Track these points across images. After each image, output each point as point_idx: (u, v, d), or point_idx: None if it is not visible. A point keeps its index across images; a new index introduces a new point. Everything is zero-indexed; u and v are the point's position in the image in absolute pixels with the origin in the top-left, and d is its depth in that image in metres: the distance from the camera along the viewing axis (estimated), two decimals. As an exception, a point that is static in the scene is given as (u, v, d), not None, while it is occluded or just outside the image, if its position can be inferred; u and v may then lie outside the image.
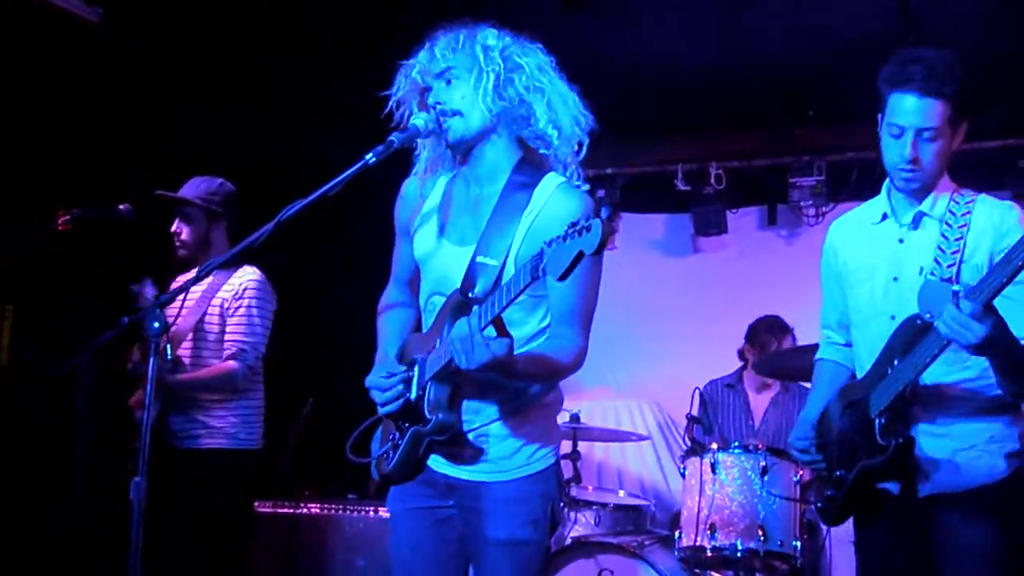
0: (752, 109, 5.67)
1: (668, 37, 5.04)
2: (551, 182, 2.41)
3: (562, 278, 1.99)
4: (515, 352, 2.20)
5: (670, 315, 6.22)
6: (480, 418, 2.42)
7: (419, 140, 2.47)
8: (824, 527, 4.40)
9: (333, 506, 4.52)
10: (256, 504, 4.38)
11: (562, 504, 4.84)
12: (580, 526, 4.96)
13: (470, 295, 2.31)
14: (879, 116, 2.70)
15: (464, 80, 2.39)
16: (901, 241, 2.72)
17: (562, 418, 4.95)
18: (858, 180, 5.78)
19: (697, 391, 4.88)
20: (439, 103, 2.41)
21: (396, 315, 2.67)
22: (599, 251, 1.94)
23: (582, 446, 5.21)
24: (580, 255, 1.96)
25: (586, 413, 5.32)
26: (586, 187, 2.45)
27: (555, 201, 2.37)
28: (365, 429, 2.58)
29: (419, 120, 2.40)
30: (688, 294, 6.30)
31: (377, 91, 2.53)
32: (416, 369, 2.42)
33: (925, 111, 2.56)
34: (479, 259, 2.36)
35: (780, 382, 5.15)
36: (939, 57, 2.58)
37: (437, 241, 2.49)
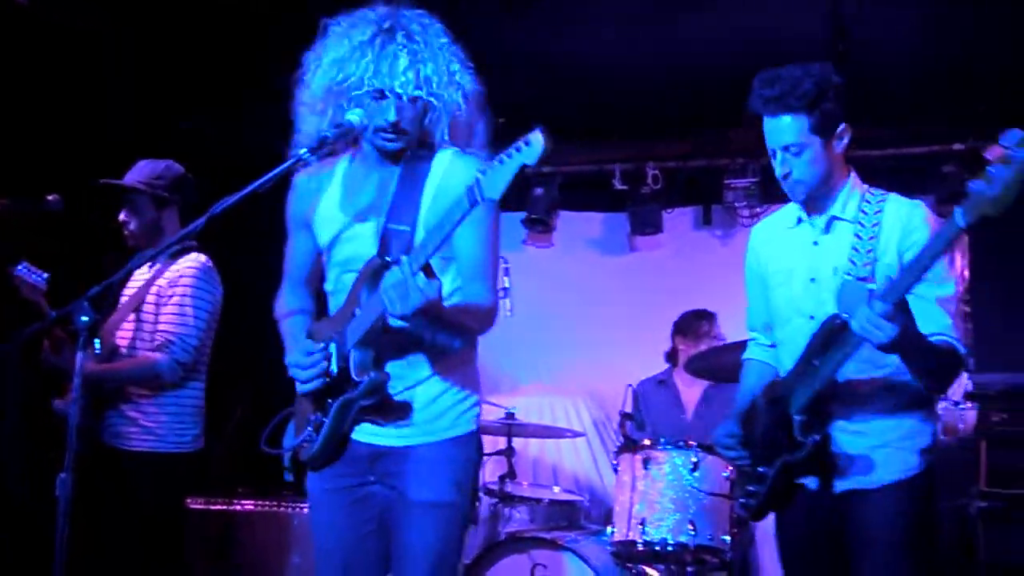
0: (688, 111, 5.74)
1: (606, 39, 5.08)
2: (445, 153, 2.49)
3: (501, 196, 2.06)
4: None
5: (606, 313, 6.28)
6: (404, 382, 2.45)
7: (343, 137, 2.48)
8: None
9: (268, 503, 4.48)
10: (189, 500, 4.31)
11: (496, 500, 4.88)
12: (514, 521, 5.02)
13: (387, 259, 2.34)
14: None
15: (424, 109, 2.46)
16: (816, 243, 2.80)
17: (497, 414, 4.99)
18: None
19: (630, 389, 4.95)
20: (396, 123, 2.43)
21: (299, 320, 2.70)
22: (539, 163, 2.01)
23: (518, 442, 5.25)
24: (522, 169, 2.03)
25: (522, 409, 5.36)
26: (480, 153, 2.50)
27: (454, 165, 2.45)
28: (278, 424, 2.60)
29: (354, 116, 2.41)
30: (624, 292, 6.36)
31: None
32: (332, 346, 2.44)
33: (781, 129, 2.67)
34: (390, 227, 2.42)
35: (711, 379, 5.23)
36: (788, 76, 2.65)
37: (344, 222, 2.52)
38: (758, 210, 6.09)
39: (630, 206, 6.32)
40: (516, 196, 6.27)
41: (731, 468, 4.16)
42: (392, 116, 2.42)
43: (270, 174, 2.36)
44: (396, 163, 2.52)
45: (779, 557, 2.93)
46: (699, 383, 5.26)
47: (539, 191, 6.28)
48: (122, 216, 3.65)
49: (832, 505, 2.70)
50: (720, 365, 4.46)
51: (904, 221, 2.69)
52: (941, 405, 4.78)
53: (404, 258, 2.21)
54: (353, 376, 2.38)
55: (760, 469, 2.79)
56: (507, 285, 4.84)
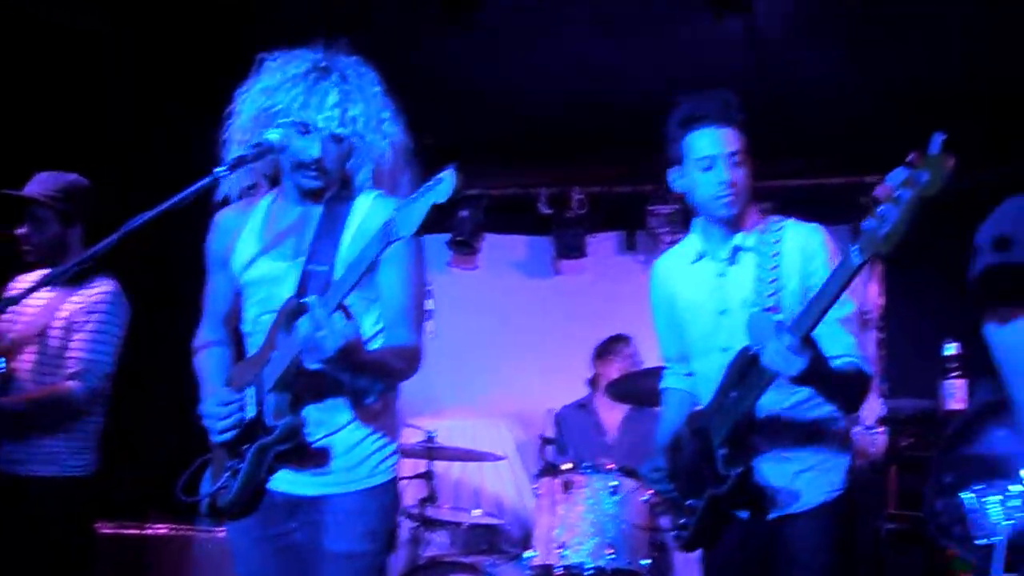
0: (614, 137, 5.81)
1: (536, 63, 5.12)
2: (368, 196, 2.48)
3: (417, 234, 2.05)
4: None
5: (530, 335, 6.30)
6: (324, 428, 2.41)
7: (254, 163, 2.45)
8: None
9: (182, 527, 4.37)
10: (99, 525, 4.18)
11: (417, 524, 4.84)
12: (434, 546, 4.97)
13: (304, 300, 2.30)
14: (669, 170, 2.82)
15: (348, 151, 2.48)
16: (721, 275, 2.82)
17: (417, 437, 4.95)
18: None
19: (552, 413, 4.97)
20: (319, 160, 2.42)
21: (215, 352, 2.65)
22: (451, 199, 2.01)
23: (440, 466, 5.21)
24: (434, 207, 2.02)
25: (445, 432, 5.32)
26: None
27: (375, 208, 2.44)
28: (196, 469, 2.53)
29: (274, 135, 2.39)
30: (548, 316, 6.39)
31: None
32: (250, 390, 2.39)
33: (727, 138, 2.71)
34: (310, 267, 2.39)
35: (632, 402, 5.28)
36: (725, 94, 2.75)
37: (264, 261, 2.49)
38: (680, 236, 6.15)
39: (555, 230, 6.37)
40: (441, 218, 6.25)
41: (650, 492, 4.21)
42: (316, 152, 2.40)
43: (184, 192, 2.31)
44: (317, 202, 2.49)
45: (703, 580, 2.96)
46: (620, 406, 5.29)
47: (464, 213, 6.29)
48: (23, 230, 3.48)
49: (765, 532, 2.72)
50: (640, 389, 4.50)
51: (803, 246, 2.74)
52: (855, 429, 4.89)
53: (314, 298, 2.18)
54: (268, 421, 2.33)
55: (689, 502, 2.79)
56: (431, 308, 4.81)
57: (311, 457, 2.39)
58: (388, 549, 2.47)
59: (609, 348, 5.53)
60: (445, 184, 2.01)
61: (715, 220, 2.82)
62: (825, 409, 2.73)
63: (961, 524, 2.14)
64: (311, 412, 2.40)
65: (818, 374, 2.43)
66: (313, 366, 2.21)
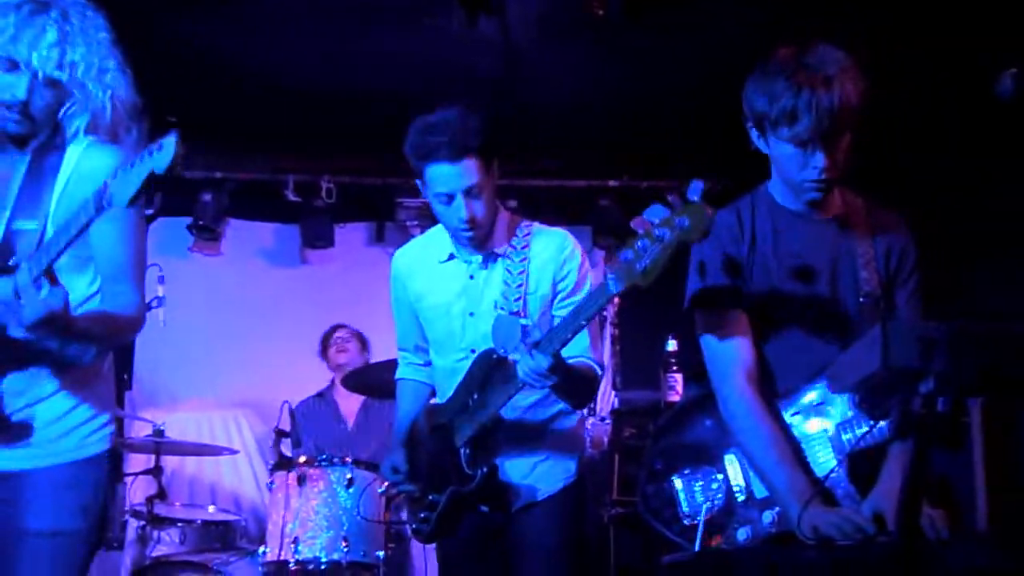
0: (365, 129, 5.77)
1: (289, 48, 4.98)
2: (80, 143, 2.26)
3: (131, 203, 1.88)
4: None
5: (273, 326, 6.14)
6: (24, 398, 2.21)
7: None
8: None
9: None
10: None
11: (144, 523, 4.60)
12: (164, 545, 4.75)
13: (10, 263, 2.09)
14: (418, 182, 2.78)
15: (60, 96, 2.21)
16: (472, 277, 2.85)
17: (144, 431, 4.71)
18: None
19: (287, 406, 4.88)
20: (24, 102, 2.16)
21: None
22: (171, 170, 1.83)
23: (173, 461, 4.99)
24: (151, 175, 1.84)
25: (179, 425, 5.10)
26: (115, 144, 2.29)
27: (87, 157, 2.23)
28: None
29: None
30: (293, 305, 6.25)
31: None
32: None
33: (463, 173, 2.66)
34: (16, 224, 2.17)
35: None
36: (455, 117, 2.68)
37: None
38: (429, 229, 6.23)
39: (303, 218, 6.24)
40: (183, 200, 5.98)
41: (386, 484, 4.21)
42: (22, 93, 2.15)
43: None
44: (22, 151, 2.25)
45: (438, 572, 2.99)
46: (357, 396, 5.31)
47: (207, 197, 6.03)
48: None
49: (503, 521, 2.81)
50: (377, 382, 4.52)
51: (554, 252, 2.82)
52: (589, 421, 5.12)
53: (23, 264, 2.00)
54: None
55: (430, 497, 2.82)
56: (160, 294, 4.56)
57: (9, 429, 2.19)
58: (99, 530, 2.29)
59: (328, 336, 5.75)
60: (165, 152, 1.83)
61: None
62: (558, 407, 2.85)
63: (670, 507, 2.28)
64: (12, 381, 2.19)
65: (564, 383, 2.57)
66: (16, 334, 2.03)
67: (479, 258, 2.84)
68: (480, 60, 5.07)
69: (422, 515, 2.85)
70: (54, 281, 2.00)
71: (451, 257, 2.88)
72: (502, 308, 2.75)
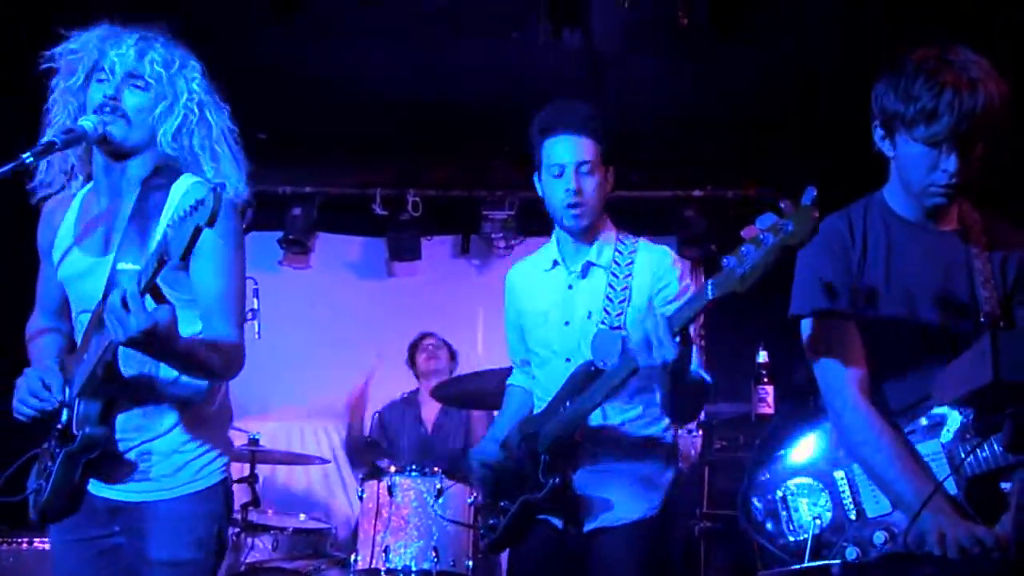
0: (451, 141, 5.84)
1: (375, 62, 5.07)
2: (185, 180, 2.34)
3: (183, 258, 1.95)
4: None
5: (361, 337, 6.23)
6: (142, 435, 2.31)
7: (71, 149, 2.31)
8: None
9: (14, 539, 4.07)
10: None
11: (238, 530, 4.70)
12: (257, 551, 4.85)
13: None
14: (535, 174, 2.87)
15: (151, 98, 2.31)
16: (570, 287, 2.87)
17: (240, 440, 4.81)
18: (548, 216, 6.11)
19: (376, 415, 4.95)
20: (115, 98, 2.27)
21: (47, 339, 2.50)
22: (211, 222, 1.90)
23: (265, 469, 5.09)
24: (197, 230, 1.91)
25: (270, 435, 5.20)
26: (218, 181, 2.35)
27: (188, 197, 2.26)
28: (21, 466, 2.37)
29: (88, 122, 2.24)
30: (380, 317, 6.34)
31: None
32: (68, 388, 2.27)
33: (580, 147, 2.76)
34: (120, 266, 2.25)
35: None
36: (583, 105, 2.82)
37: (77, 257, 2.36)
38: (514, 242, 6.28)
39: (390, 231, 6.33)
40: (273, 215, 6.13)
41: (475, 494, 4.24)
42: (110, 91, 2.27)
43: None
44: (130, 180, 2.35)
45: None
46: (437, 403, 5.39)
47: (297, 211, 6.16)
48: None
49: (578, 543, 2.75)
50: (462, 393, 4.55)
51: (654, 268, 2.82)
52: (678, 433, 5.07)
53: (129, 276, 2.07)
54: (73, 428, 2.22)
55: (502, 503, 2.82)
56: (255, 307, 4.68)
57: (126, 465, 2.29)
58: (216, 557, 2.37)
59: (417, 344, 5.83)
60: (206, 207, 1.90)
61: (566, 230, 2.86)
62: (656, 427, 2.80)
63: (775, 521, 2.24)
64: (131, 417, 2.29)
65: (680, 370, 2.39)
66: (119, 341, 2.06)
67: (578, 267, 2.86)
68: (565, 72, 5.08)
69: (491, 522, 2.86)
70: (161, 298, 2.07)
71: (555, 265, 2.91)
72: (603, 322, 2.75)
